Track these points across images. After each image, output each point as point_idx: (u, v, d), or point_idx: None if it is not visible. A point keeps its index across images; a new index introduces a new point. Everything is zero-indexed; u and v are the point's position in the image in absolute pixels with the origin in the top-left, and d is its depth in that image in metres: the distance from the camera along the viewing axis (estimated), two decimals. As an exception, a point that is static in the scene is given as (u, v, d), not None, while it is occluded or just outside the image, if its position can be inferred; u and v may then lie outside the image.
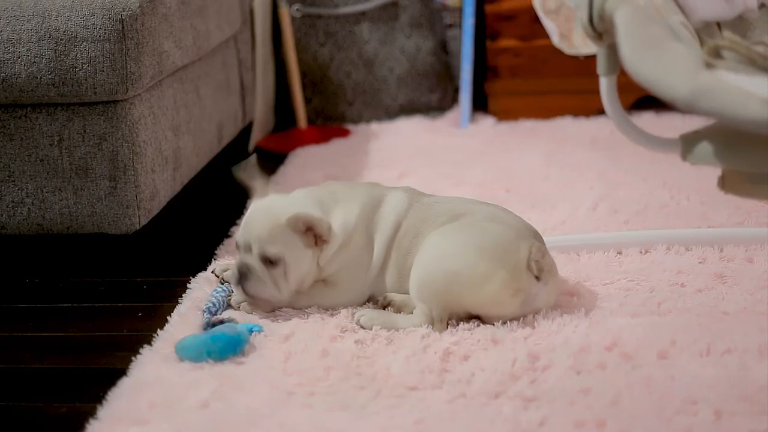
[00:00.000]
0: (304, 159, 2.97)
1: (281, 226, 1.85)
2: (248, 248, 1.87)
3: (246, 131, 3.08)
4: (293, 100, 3.28)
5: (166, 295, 2.07)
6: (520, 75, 3.25)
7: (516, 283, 1.78)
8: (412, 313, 1.84)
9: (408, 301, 1.87)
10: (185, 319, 1.90)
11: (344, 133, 3.22)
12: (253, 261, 1.86)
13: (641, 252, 2.10)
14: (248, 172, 1.97)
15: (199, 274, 2.10)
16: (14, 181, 2.16)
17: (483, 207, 1.92)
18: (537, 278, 1.80)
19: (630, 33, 1.44)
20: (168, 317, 1.92)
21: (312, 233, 1.86)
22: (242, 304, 1.92)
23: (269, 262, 1.86)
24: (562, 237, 2.18)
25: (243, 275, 1.87)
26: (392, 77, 3.35)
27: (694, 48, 1.52)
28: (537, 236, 1.87)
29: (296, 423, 1.53)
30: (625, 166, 2.68)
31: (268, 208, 1.89)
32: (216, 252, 2.23)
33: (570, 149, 2.89)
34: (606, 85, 1.70)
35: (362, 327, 1.82)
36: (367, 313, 1.84)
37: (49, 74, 2.08)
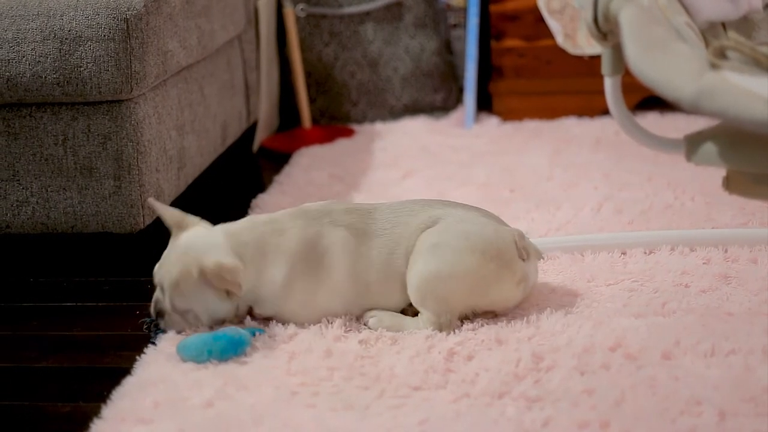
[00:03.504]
0: (308, 159, 2.97)
1: (192, 277, 1.78)
2: (162, 288, 1.82)
3: (250, 131, 3.09)
4: (297, 99, 3.28)
5: (170, 295, 2.07)
6: (524, 75, 3.25)
7: (516, 275, 1.81)
8: None
9: None
10: (189, 318, 1.90)
11: (348, 133, 3.22)
12: (166, 303, 1.82)
13: (645, 252, 2.09)
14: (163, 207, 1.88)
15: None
16: (19, 180, 2.16)
17: (447, 209, 1.85)
18: (523, 260, 1.83)
19: (634, 33, 1.44)
20: (172, 317, 1.92)
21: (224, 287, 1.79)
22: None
23: (179, 310, 1.81)
24: (566, 237, 2.18)
25: (158, 312, 1.83)
26: (396, 77, 3.35)
27: (699, 48, 1.52)
28: (499, 220, 1.88)
29: (300, 423, 1.53)
30: (629, 166, 2.67)
31: (185, 251, 1.81)
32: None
33: (574, 149, 2.89)
34: (610, 86, 1.70)
35: (369, 328, 1.82)
36: (377, 315, 1.84)
37: (54, 73, 2.09)
